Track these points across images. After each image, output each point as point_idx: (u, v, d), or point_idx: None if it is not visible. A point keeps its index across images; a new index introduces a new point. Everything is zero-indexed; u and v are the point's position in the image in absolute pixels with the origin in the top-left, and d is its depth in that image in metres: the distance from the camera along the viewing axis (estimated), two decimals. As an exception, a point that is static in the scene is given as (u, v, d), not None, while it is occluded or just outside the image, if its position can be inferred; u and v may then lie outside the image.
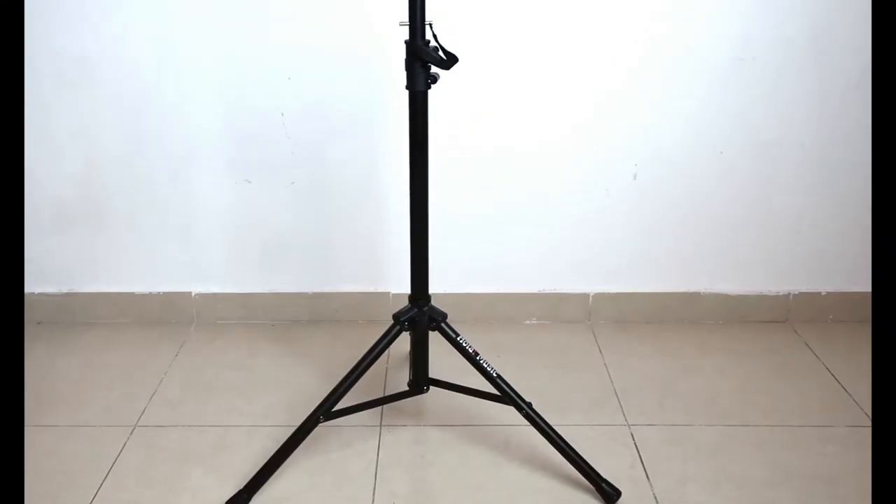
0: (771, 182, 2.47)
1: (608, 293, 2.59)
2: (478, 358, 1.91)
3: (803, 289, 2.59)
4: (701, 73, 2.35)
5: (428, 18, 1.69)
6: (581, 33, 2.30)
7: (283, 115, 2.38)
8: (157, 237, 2.52)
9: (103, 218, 2.50)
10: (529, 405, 1.88)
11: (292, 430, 1.89)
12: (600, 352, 2.45)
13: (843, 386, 2.26)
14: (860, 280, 2.57)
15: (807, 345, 2.48)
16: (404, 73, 1.72)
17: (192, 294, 2.59)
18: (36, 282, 2.57)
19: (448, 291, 2.52)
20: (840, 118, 2.40)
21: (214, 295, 2.59)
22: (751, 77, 2.35)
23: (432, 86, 1.73)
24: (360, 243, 2.52)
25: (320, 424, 1.88)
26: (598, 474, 1.84)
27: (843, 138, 2.42)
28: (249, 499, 1.82)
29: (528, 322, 2.62)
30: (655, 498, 1.83)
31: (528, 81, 2.34)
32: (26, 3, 2.26)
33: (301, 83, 2.34)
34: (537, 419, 1.88)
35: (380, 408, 2.13)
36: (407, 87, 1.73)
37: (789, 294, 2.59)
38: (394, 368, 2.34)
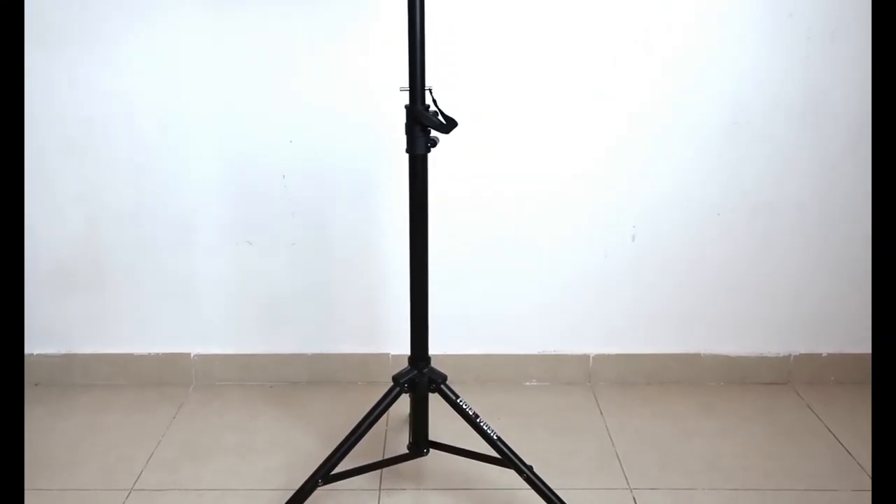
0: (769, 243, 2.48)
1: (608, 354, 2.59)
2: (478, 420, 1.90)
3: (804, 350, 2.59)
4: (695, 135, 2.38)
5: (428, 84, 1.72)
6: (578, 96, 2.34)
7: (284, 176, 2.40)
8: (157, 298, 2.52)
9: (104, 279, 2.50)
10: (530, 468, 1.87)
11: (291, 493, 1.87)
12: (601, 413, 2.43)
13: (846, 449, 2.24)
14: (862, 341, 2.57)
15: (809, 407, 2.47)
16: (405, 137, 1.74)
17: (191, 355, 2.58)
18: (34, 343, 2.57)
19: (448, 353, 2.51)
20: (837, 179, 2.42)
21: (213, 356, 2.58)
22: (746, 139, 2.38)
23: (432, 149, 1.75)
24: (360, 304, 2.52)
25: (319, 488, 1.86)
26: (599, 539, 1.81)
27: (841, 199, 2.44)
28: (246, 565, 1.80)
29: (528, 383, 2.60)
30: (658, 564, 1.81)
31: (527, 144, 2.37)
32: (36, 68, 2.29)
33: (302, 145, 2.36)
34: (538, 483, 1.86)
35: (379, 471, 2.11)
36: (407, 151, 1.75)
37: (790, 355, 2.59)
38: (393, 430, 2.33)
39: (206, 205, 2.43)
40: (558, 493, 1.86)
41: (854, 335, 2.56)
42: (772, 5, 2.28)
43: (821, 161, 2.41)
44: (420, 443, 2.02)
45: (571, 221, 2.45)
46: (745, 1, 2.28)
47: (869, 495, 2.04)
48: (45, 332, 2.56)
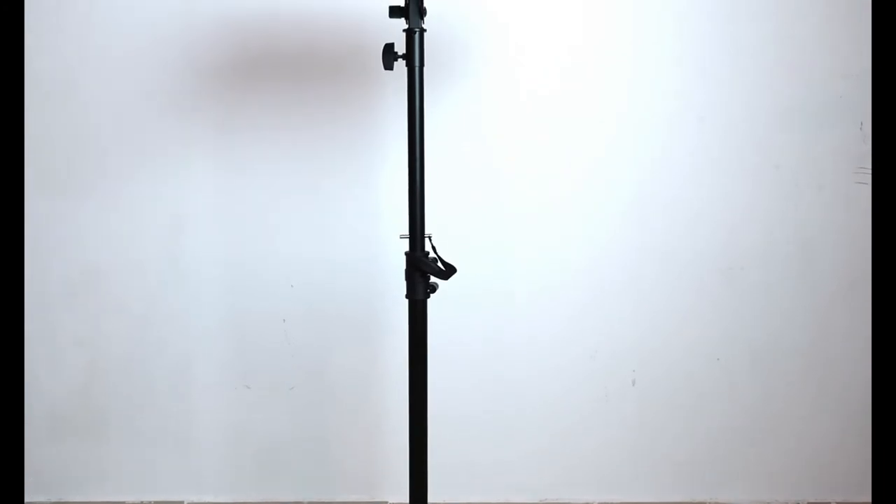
0: (770, 389, 2.47)
1: (610, 503, 2.53)
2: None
3: (811, 498, 2.53)
4: (690, 282, 2.41)
5: (427, 231, 1.77)
6: (573, 241, 2.40)
7: (284, 321, 2.41)
8: (151, 444, 2.49)
9: (101, 426, 2.48)
10: None
11: None
12: (605, 565, 2.36)
13: None
14: (868, 488, 2.52)
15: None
16: (404, 283, 1.77)
17: (185, 503, 2.53)
18: (28, 490, 2.52)
19: (446, 500, 2.46)
20: (835, 325, 2.44)
21: (207, 504, 2.53)
22: (742, 286, 2.41)
23: (431, 295, 1.78)
24: (359, 451, 2.49)
25: None
26: None
27: (840, 344, 2.45)
28: None
29: (529, 533, 2.54)
30: None
31: (527, 284, 2.41)
32: (46, 215, 2.35)
33: (303, 290, 2.40)
34: None
35: None
36: (407, 296, 1.78)
37: (798, 503, 2.53)
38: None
39: (205, 349, 2.43)
40: None
41: (861, 483, 2.52)
42: (758, 158, 2.37)
43: (815, 307, 2.43)
44: None
45: (571, 366, 2.45)
46: (732, 156, 2.36)
47: None
48: (39, 480, 2.51)
